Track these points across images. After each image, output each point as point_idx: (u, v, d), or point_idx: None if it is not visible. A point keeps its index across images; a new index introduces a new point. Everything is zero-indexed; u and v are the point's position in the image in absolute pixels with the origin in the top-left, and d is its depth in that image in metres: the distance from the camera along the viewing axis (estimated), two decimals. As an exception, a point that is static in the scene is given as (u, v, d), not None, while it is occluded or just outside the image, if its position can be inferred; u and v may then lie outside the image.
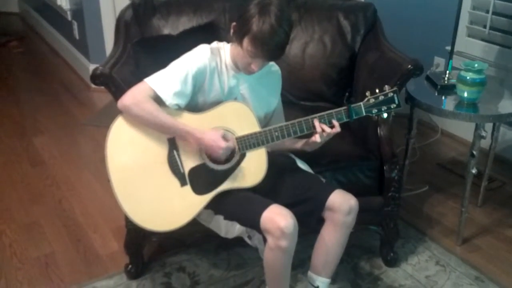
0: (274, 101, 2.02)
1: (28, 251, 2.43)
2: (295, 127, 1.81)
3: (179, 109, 1.80)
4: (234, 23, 1.77)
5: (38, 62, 4.88)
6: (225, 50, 1.87)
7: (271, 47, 1.71)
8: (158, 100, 1.75)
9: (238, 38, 1.75)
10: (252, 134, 1.81)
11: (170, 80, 1.76)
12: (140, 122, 1.77)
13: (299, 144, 1.95)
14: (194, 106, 1.85)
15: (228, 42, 1.88)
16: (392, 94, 1.82)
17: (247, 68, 1.80)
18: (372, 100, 1.82)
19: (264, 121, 1.98)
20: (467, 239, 2.49)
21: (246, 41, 1.72)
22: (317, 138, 1.82)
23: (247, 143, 1.81)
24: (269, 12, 1.67)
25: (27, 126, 3.63)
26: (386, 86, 1.83)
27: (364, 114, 1.82)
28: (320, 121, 1.81)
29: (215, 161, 1.82)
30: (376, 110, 1.83)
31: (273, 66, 1.99)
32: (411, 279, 2.26)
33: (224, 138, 1.77)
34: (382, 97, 1.82)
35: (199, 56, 1.80)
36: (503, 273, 2.30)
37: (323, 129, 1.80)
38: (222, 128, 1.81)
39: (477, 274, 2.29)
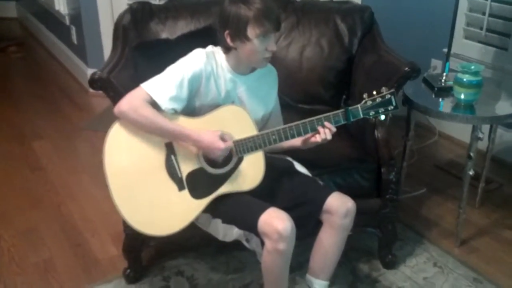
0: (272, 100, 2.03)
1: (27, 256, 2.43)
2: (292, 130, 1.81)
3: (176, 113, 1.80)
4: (227, 31, 1.78)
5: (36, 67, 4.89)
6: (220, 54, 1.88)
7: (274, 12, 1.76)
8: (154, 105, 1.76)
9: (240, 36, 1.76)
10: (249, 138, 1.81)
11: (165, 85, 1.76)
12: (138, 127, 1.78)
13: (298, 142, 1.92)
14: (191, 110, 1.85)
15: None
16: (389, 96, 1.82)
17: (264, 55, 1.81)
18: (369, 102, 1.82)
19: (262, 123, 1.99)
20: (465, 240, 2.50)
21: (251, 29, 1.74)
22: (317, 138, 1.82)
23: (244, 146, 1.81)
24: None
25: (25, 131, 3.63)
26: (383, 88, 1.83)
27: (362, 116, 1.82)
28: (317, 124, 1.81)
29: (213, 165, 1.82)
30: (373, 112, 1.83)
31: (268, 65, 1.99)
32: (409, 281, 2.27)
33: (222, 138, 1.78)
34: (380, 99, 1.82)
35: (194, 61, 1.81)
36: (501, 274, 2.31)
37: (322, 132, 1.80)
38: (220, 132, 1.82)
39: (475, 276, 2.29)
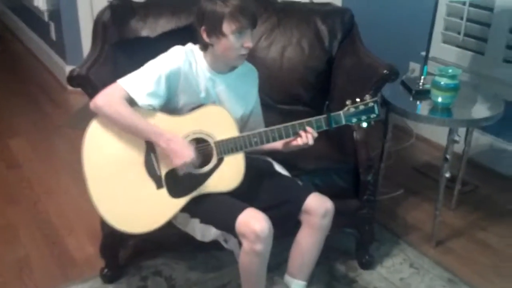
0: (252, 100, 2.02)
1: (2, 254, 2.40)
2: (274, 133, 1.82)
3: (155, 110, 1.79)
4: (203, 27, 1.78)
5: (14, 63, 4.82)
6: (198, 52, 1.87)
7: (250, 9, 1.76)
8: (131, 101, 1.75)
9: (216, 32, 1.76)
10: (230, 139, 1.81)
11: (142, 81, 1.76)
12: (112, 123, 1.76)
13: (279, 144, 1.92)
14: (173, 108, 1.85)
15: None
16: (372, 104, 1.82)
17: (241, 52, 1.80)
18: (352, 109, 1.82)
19: (241, 123, 1.98)
20: (440, 241, 2.53)
21: (226, 25, 1.74)
22: (299, 142, 1.83)
23: (225, 147, 1.81)
24: None
25: (2, 127, 3.57)
26: (366, 95, 1.83)
27: (344, 123, 1.83)
28: (299, 128, 1.82)
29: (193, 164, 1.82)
30: (355, 120, 1.83)
31: (249, 65, 2.00)
32: (385, 281, 2.29)
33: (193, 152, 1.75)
34: (362, 106, 1.82)
35: (172, 58, 1.81)
36: (476, 275, 2.34)
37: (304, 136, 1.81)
38: (201, 132, 1.81)
39: (450, 276, 2.32)
